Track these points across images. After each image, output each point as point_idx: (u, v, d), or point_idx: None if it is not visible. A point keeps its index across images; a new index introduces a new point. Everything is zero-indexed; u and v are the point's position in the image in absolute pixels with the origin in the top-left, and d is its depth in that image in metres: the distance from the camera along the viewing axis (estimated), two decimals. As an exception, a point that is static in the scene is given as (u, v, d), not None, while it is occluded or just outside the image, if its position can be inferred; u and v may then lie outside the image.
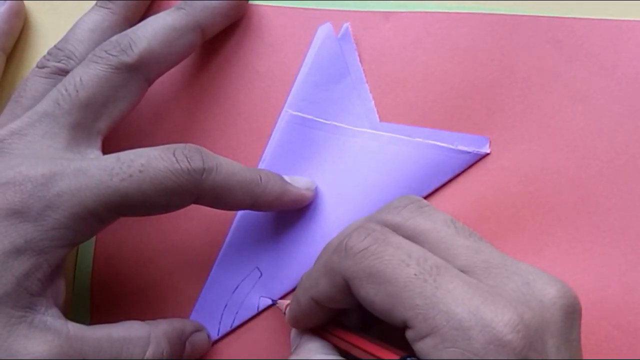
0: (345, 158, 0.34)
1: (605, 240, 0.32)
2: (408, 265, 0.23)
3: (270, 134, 0.35)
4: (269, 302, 0.34)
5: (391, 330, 0.27)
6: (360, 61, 0.35)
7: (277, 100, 0.35)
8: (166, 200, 0.29)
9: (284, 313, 0.31)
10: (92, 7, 0.34)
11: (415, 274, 0.23)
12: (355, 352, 0.27)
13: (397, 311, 0.23)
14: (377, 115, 0.34)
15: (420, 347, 0.23)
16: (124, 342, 0.29)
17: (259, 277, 0.34)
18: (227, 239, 0.35)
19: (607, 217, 0.32)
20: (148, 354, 0.30)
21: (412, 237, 0.26)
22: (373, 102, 0.34)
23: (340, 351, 0.28)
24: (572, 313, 0.24)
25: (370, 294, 0.24)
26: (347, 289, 0.25)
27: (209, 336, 0.34)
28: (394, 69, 0.34)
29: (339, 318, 0.29)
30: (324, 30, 0.35)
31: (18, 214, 0.27)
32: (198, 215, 0.35)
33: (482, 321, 0.22)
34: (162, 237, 0.35)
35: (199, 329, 0.34)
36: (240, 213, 0.35)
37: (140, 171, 0.28)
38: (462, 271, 0.25)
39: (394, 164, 0.33)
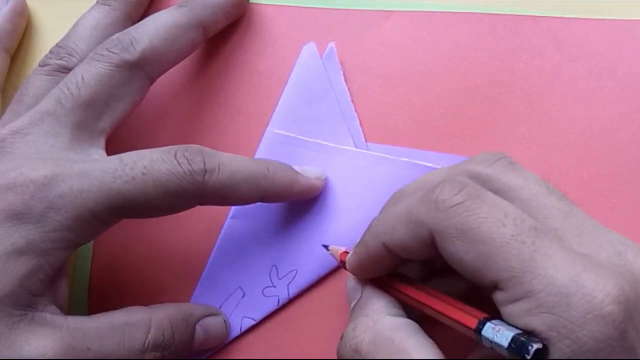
0: (330, 177, 0.34)
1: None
2: (505, 225, 0.23)
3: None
4: (252, 322, 0.34)
5: (453, 285, 0.26)
6: (359, 61, 0.35)
7: (276, 99, 0.35)
8: (170, 202, 0.28)
9: (340, 261, 0.30)
10: (94, 5, 0.34)
11: (512, 235, 0.22)
12: (426, 310, 0.26)
13: (490, 272, 0.22)
14: (363, 135, 0.34)
15: (511, 310, 0.22)
16: (125, 327, 0.29)
17: (242, 297, 0.34)
18: (211, 259, 0.35)
19: (609, 218, 0.32)
20: (150, 337, 0.29)
21: (502, 192, 0.25)
22: (359, 121, 0.34)
23: (406, 306, 0.27)
24: None
25: (461, 251, 0.23)
26: (429, 241, 0.24)
27: (226, 322, 0.33)
28: (394, 68, 0.34)
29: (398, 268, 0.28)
30: (307, 50, 0.35)
31: (20, 215, 0.27)
32: (198, 216, 0.35)
33: (583, 289, 0.21)
34: (161, 238, 0.35)
35: (212, 313, 0.33)
36: (223, 232, 0.34)
37: (143, 174, 0.28)
38: (551, 233, 0.24)
39: (379, 184, 0.33)
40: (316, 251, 0.33)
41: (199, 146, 0.30)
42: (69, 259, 0.29)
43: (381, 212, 0.27)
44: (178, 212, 0.29)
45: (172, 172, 0.28)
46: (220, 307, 0.34)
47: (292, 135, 0.34)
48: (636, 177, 0.32)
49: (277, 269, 0.34)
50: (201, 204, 0.30)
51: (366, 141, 0.34)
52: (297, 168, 0.32)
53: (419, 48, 0.34)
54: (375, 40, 0.35)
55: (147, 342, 0.29)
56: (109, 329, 0.28)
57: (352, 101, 0.34)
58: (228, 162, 0.29)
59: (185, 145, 0.29)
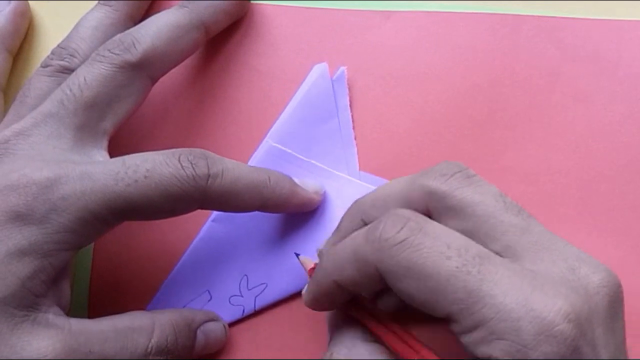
0: None
1: (607, 241, 0.32)
2: (449, 257, 0.23)
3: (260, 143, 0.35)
4: None
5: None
6: (360, 61, 0.35)
7: (276, 99, 0.35)
8: (171, 206, 0.28)
9: (307, 274, 0.30)
10: (95, 5, 0.34)
11: (457, 267, 0.22)
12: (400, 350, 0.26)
13: (440, 306, 0.23)
14: (357, 164, 0.34)
15: (467, 340, 0.23)
16: (128, 331, 0.29)
17: (208, 301, 0.34)
18: (183, 257, 0.34)
19: (609, 218, 0.32)
20: (153, 341, 0.29)
21: (458, 208, 0.25)
22: (356, 149, 0.34)
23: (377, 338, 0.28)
24: (615, 302, 0.23)
25: (410, 288, 0.23)
26: (377, 278, 0.24)
27: (225, 327, 0.33)
28: (394, 68, 0.34)
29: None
30: (319, 69, 0.35)
31: (22, 216, 0.27)
32: (197, 216, 0.34)
33: (532, 312, 0.22)
34: (161, 238, 0.35)
35: (212, 318, 0.33)
36: (201, 233, 0.34)
37: (145, 177, 0.28)
38: (506, 250, 0.24)
39: None
40: (289, 269, 0.33)
41: (203, 150, 0.29)
42: (71, 260, 0.29)
43: (328, 250, 0.27)
44: (179, 214, 0.29)
45: (174, 176, 0.28)
46: (184, 307, 0.34)
47: (288, 150, 0.34)
48: (636, 177, 0.32)
49: (247, 279, 0.34)
50: (202, 208, 0.30)
51: (359, 170, 0.34)
52: (296, 180, 0.32)
53: (419, 48, 0.35)
54: (376, 40, 0.35)
55: (150, 346, 0.29)
56: (111, 332, 0.28)
57: (354, 128, 0.34)
58: (231, 168, 0.29)
59: (189, 149, 0.29)
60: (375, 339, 0.27)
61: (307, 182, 0.33)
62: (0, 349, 0.26)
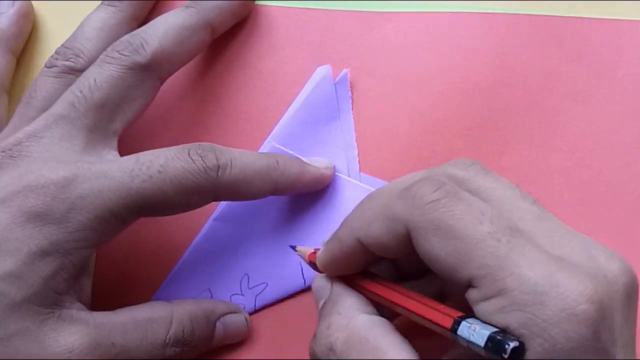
0: (319, 199, 0.34)
1: (606, 241, 0.32)
2: (481, 223, 0.23)
3: (268, 134, 0.35)
4: None
5: (423, 289, 0.26)
6: (361, 62, 0.35)
7: (278, 100, 0.35)
8: (186, 199, 0.29)
9: (308, 262, 0.29)
10: (99, 5, 0.34)
11: (488, 232, 0.22)
12: (399, 310, 0.25)
13: (464, 269, 0.22)
14: (358, 165, 0.34)
15: (484, 307, 0.22)
16: (148, 322, 0.30)
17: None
18: (185, 255, 0.35)
19: (608, 218, 0.32)
20: (170, 333, 0.30)
21: (476, 192, 0.25)
22: (357, 151, 0.34)
23: (376, 305, 0.27)
24: (632, 292, 0.23)
25: (436, 247, 0.23)
26: (404, 238, 0.24)
27: (247, 319, 0.33)
28: (395, 69, 0.35)
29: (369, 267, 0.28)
30: (322, 71, 0.35)
31: (42, 216, 0.27)
32: (199, 214, 0.35)
33: (557, 288, 0.21)
34: (163, 235, 0.35)
35: (233, 310, 0.33)
36: (202, 232, 0.35)
37: (159, 172, 0.28)
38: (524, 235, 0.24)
39: None
40: (290, 269, 0.33)
41: (211, 143, 0.30)
42: (90, 258, 0.29)
43: (355, 208, 0.27)
44: (194, 208, 0.30)
45: (187, 169, 0.29)
46: None
47: (290, 151, 0.34)
48: (635, 177, 0.32)
49: (248, 278, 0.34)
50: (215, 200, 0.30)
51: (359, 171, 0.34)
52: (305, 159, 0.32)
53: (419, 48, 0.35)
54: (377, 41, 0.35)
55: (168, 337, 0.30)
56: (132, 324, 0.29)
57: (355, 130, 0.34)
58: (239, 157, 0.30)
59: (197, 143, 0.30)
60: (373, 310, 0.26)
61: (316, 159, 0.33)
62: (29, 346, 0.27)
